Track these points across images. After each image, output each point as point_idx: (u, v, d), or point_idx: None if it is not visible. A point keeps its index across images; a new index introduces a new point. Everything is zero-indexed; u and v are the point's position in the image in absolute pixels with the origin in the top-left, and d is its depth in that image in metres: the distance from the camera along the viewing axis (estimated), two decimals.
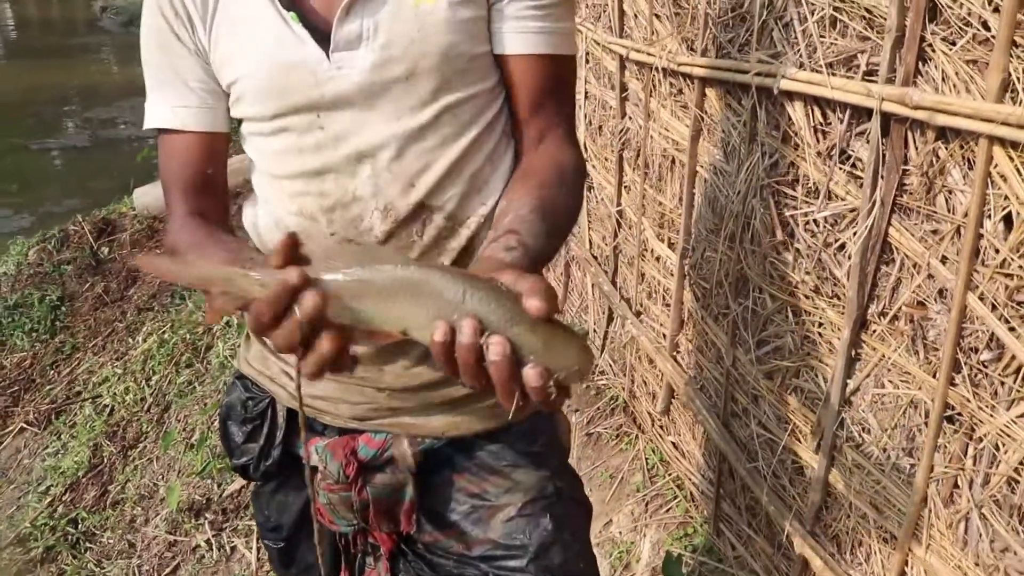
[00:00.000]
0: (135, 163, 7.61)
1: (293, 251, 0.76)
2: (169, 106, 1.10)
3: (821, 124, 1.36)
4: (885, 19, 1.18)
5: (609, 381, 2.67)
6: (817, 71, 1.32)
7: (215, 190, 1.15)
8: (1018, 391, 1.05)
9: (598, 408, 2.66)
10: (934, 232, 1.17)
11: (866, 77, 1.24)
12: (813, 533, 1.54)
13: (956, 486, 1.19)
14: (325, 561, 1.25)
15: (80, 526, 3.55)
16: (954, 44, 1.09)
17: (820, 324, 1.45)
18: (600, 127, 2.46)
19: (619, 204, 2.36)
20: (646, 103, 2.05)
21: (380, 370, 1.14)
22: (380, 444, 1.18)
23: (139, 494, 3.55)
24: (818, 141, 1.37)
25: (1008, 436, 1.07)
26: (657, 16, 1.94)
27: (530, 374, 0.68)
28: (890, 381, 1.29)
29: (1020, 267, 1.02)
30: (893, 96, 1.15)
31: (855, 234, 1.30)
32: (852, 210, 1.32)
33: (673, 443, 2.25)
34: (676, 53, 1.82)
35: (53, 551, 3.47)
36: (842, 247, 1.36)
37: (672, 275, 2.03)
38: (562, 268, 3.01)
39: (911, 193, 1.20)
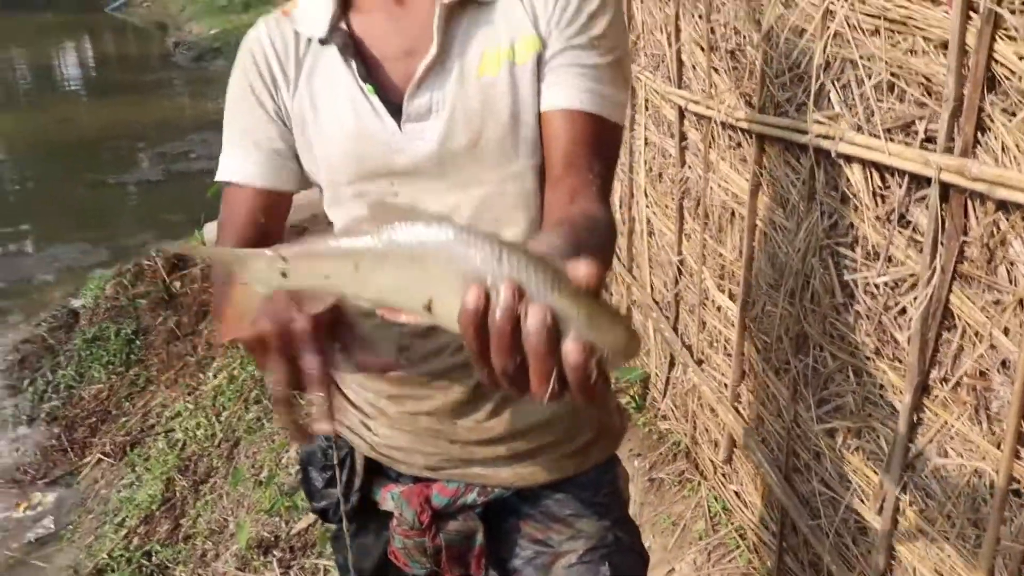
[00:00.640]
0: (205, 198, 7.83)
1: None
2: (239, 161, 1.16)
3: (880, 188, 1.36)
4: (943, 88, 1.18)
5: (671, 426, 2.67)
6: (875, 136, 1.32)
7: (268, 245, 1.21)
8: None
9: (660, 453, 2.65)
10: (996, 302, 1.16)
11: (924, 144, 1.24)
12: None
13: None
14: None
15: (154, 558, 3.64)
16: (1013, 115, 1.08)
17: (881, 386, 1.44)
18: (660, 174, 2.48)
19: (680, 252, 2.36)
20: (705, 154, 2.06)
21: (454, 423, 1.20)
22: (453, 493, 1.25)
23: (210, 529, 3.63)
24: (877, 205, 1.37)
25: None
26: (715, 69, 1.95)
27: (571, 349, 0.61)
28: (953, 449, 1.28)
29: None
30: (951, 167, 1.15)
31: (915, 299, 1.29)
32: (912, 275, 1.31)
33: (736, 492, 2.24)
34: (734, 108, 1.83)
35: None
36: (903, 311, 1.35)
37: (733, 326, 2.03)
38: (624, 310, 3.02)
39: (972, 262, 1.19)
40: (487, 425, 1.20)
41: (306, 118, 1.13)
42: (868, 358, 1.46)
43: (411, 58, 1.08)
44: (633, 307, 2.95)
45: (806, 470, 1.76)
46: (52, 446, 4.92)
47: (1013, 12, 1.05)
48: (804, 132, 1.51)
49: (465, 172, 1.08)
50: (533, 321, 0.60)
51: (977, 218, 1.16)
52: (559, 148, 1.05)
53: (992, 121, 1.12)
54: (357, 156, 1.10)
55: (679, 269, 2.41)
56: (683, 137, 2.24)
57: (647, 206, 2.62)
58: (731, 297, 2.05)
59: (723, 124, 1.92)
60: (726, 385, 2.14)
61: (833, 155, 1.42)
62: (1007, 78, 1.08)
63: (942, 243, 1.22)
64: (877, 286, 1.40)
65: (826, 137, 1.44)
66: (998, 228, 1.13)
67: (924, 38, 1.21)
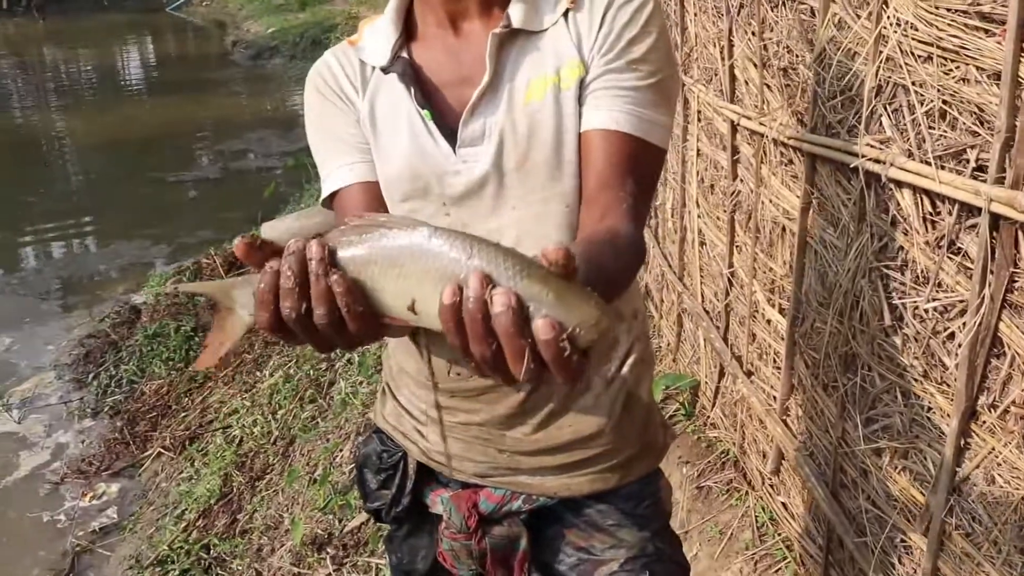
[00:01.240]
0: (262, 197, 7.98)
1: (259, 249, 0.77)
2: (344, 166, 1.20)
3: (930, 214, 1.37)
4: (995, 119, 1.19)
5: (720, 435, 2.68)
6: (926, 163, 1.34)
7: None
8: None
9: (709, 462, 2.67)
10: None
11: (975, 173, 1.25)
12: None
13: None
14: None
15: (212, 551, 3.75)
16: None
17: (929, 409, 1.45)
18: (712, 185, 2.50)
19: (731, 264, 2.38)
20: (757, 169, 2.08)
21: (503, 434, 1.26)
22: (499, 499, 1.31)
23: (265, 524, 3.73)
24: (927, 230, 1.39)
25: None
26: (768, 86, 1.97)
27: (539, 325, 0.65)
28: (1000, 476, 1.29)
29: None
30: (1002, 198, 1.16)
31: (964, 326, 1.30)
32: (961, 301, 1.32)
33: (783, 503, 2.25)
34: (786, 126, 1.84)
35: (188, 574, 3.67)
36: (951, 336, 1.36)
37: (782, 340, 2.05)
38: (675, 318, 3.04)
39: (1022, 291, 1.20)
40: (534, 437, 1.25)
41: (369, 140, 1.19)
42: (916, 380, 1.47)
43: (466, 86, 1.14)
44: (684, 315, 2.96)
45: (853, 487, 1.77)
46: (115, 439, 5.07)
47: None
48: (855, 155, 1.52)
49: (512, 194, 1.13)
50: (498, 303, 0.65)
51: (1022, 248, 1.17)
52: (594, 167, 1.09)
53: None
54: (412, 176, 1.15)
55: (730, 280, 2.42)
56: (735, 151, 2.25)
57: (699, 216, 2.64)
58: (781, 311, 2.06)
59: (775, 141, 1.93)
60: (775, 398, 2.15)
61: (884, 180, 1.43)
62: None
63: (992, 272, 1.23)
64: (926, 311, 1.41)
65: (877, 161, 1.45)
66: None
67: (977, 67, 1.22)
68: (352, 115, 1.21)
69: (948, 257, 1.34)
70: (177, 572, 3.67)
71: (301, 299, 0.74)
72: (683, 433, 2.86)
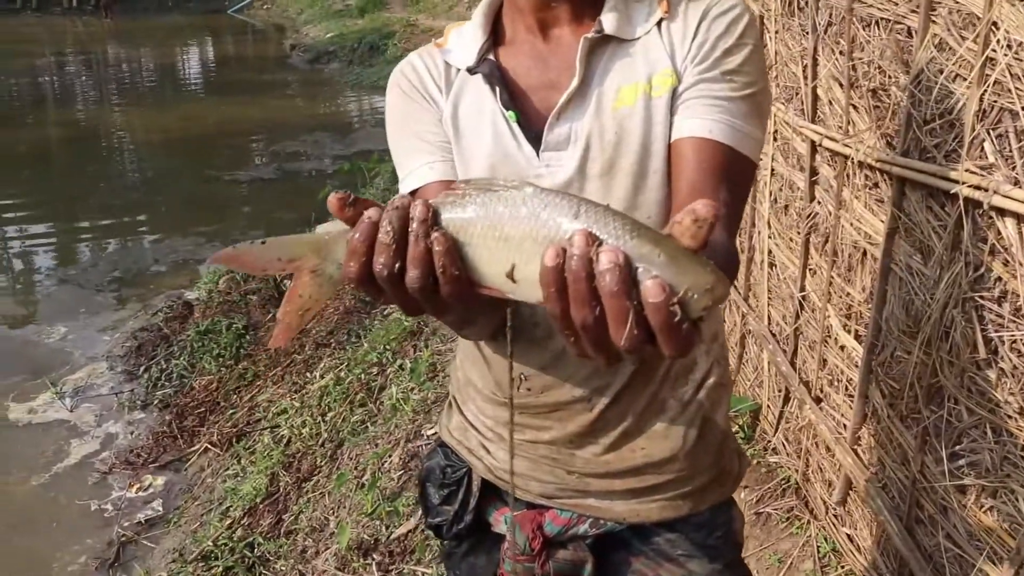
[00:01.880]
0: (316, 199, 8.07)
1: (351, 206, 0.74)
2: (425, 164, 1.17)
3: None
4: None
5: (782, 461, 2.63)
6: None
7: None
8: None
9: (769, 488, 2.61)
10: None
11: None
12: None
13: None
14: None
15: (256, 550, 3.75)
16: None
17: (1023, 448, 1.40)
18: (786, 206, 2.45)
19: (803, 288, 2.33)
20: (838, 192, 2.03)
21: (572, 454, 1.22)
22: (565, 522, 1.27)
23: (311, 526, 3.73)
24: None
25: None
26: (854, 107, 1.92)
27: (648, 286, 0.61)
28: None
29: None
30: None
31: None
32: None
33: (848, 535, 2.19)
34: (874, 148, 1.80)
35: (231, 572, 3.68)
36: None
37: (857, 367, 1.99)
38: (737, 339, 2.99)
39: None
40: (605, 458, 1.21)
41: (451, 140, 1.17)
42: (1010, 417, 1.42)
43: (552, 90, 1.12)
44: (747, 336, 2.91)
45: (930, 523, 1.71)
46: (163, 432, 5.11)
47: None
48: (952, 180, 1.47)
49: (597, 199, 1.10)
50: (604, 260, 0.61)
51: None
52: (686, 176, 1.05)
53: None
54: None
55: (801, 304, 2.37)
56: (814, 172, 2.20)
57: (769, 237, 2.59)
58: (857, 338, 2.01)
59: (860, 163, 1.89)
60: (845, 426, 2.10)
61: (985, 207, 1.38)
62: None
63: None
64: None
65: (978, 188, 1.40)
66: None
67: None
68: (435, 114, 1.19)
69: None
70: (220, 569, 3.67)
71: (396, 257, 0.71)
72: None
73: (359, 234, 0.72)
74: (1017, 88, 1.32)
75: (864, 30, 1.83)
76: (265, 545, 3.75)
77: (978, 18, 1.40)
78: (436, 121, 1.19)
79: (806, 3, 2.11)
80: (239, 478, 4.40)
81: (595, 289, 0.62)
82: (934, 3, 1.54)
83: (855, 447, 2.06)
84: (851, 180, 1.97)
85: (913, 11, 1.61)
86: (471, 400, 1.32)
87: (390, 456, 3.73)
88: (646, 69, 1.09)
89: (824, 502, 2.30)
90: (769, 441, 2.70)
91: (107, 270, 7.86)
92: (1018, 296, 1.37)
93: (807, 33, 2.13)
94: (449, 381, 1.42)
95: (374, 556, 3.30)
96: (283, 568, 3.64)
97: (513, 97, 1.14)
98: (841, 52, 1.94)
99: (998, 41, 1.35)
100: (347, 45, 18.77)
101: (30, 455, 4.99)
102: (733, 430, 2.84)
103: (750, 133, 1.07)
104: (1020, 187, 1.32)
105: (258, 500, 4.07)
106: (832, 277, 2.12)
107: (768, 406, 2.71)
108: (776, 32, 2.38)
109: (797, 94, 2.25)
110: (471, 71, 1.17)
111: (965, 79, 1.45)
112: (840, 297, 2.09)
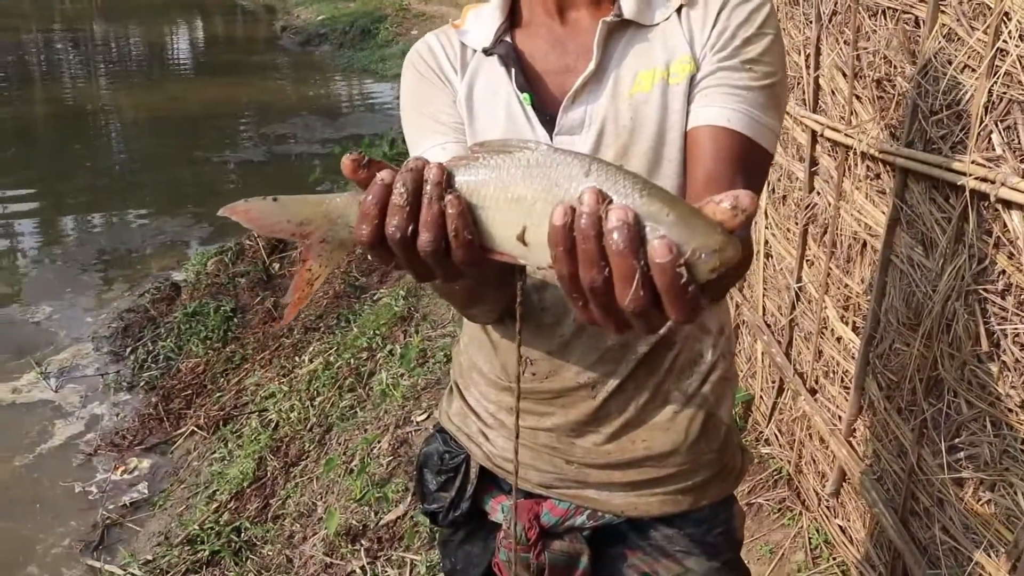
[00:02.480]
0: (306, 182, 8.02)
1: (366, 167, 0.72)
2: (437, 145, 1.15)
3: None
4: None
5: (774, 452, 2.62)
6: None
7: None
8: None
9: (760, 478, 2.61)
10: None
11: None
12: None
13: None
14: None
15: (243, 535, 3.73)
16: None
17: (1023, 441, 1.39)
18: (784, 196, 2.44)
19: (800, 279, 2.32)
20: (838, 182, 2.02)
21: (572, 443, 1.21)
22: (563, 513, 1.25)
23: (298, 511, 3.71)
24: None
25: None
26: (857, 97, 1.91)
27: (655, 246, 0.59)
28: None
29: None
30: None
31: None
32: None
33: (840, 527, 2.19)
34: (877, 139, 1.78)
35: (218, 556, 3.66)
36: None
37: (854, 359, 1.99)
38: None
39: None
40: (605, 448, 1.20)
41: (464, 120, 1.16)
42: (1010, 410, 1.41)
43: (568, 74, 1.10)
44: (741, 326, 2.90)
45: (926, 515, 1.71)
46: (149, 414, 5.08)
47: None
48: (958, 172, 1.46)
49: None
50: (613, 218, 0.60)
51: None
52: (702, 164, 1.04)
53: None
54: None
55: (797, 295, 2.36)
56: (814, 162, 2.19)
57: (766, 227, 2.58)
58: (855, 330, 2.00)
59: (862, 154, 1.87)
60: (840, 418, 2.09)
61: (992, 199, 1.37)
62: None
63: None
64: None
65: (985, 180, 1.39)
66: None
67: None
68: (449, 95, 1.17)
69: None
70: (207, 552, 3.65)
71: (409, 220, 0.70)
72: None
73: (372, 196, 0.71)
74: None
75: (870, 19, 1.82)
76: (252, 529, 3.73)
77: (989, 8, 1.38)
78: (451, 102, 1.17)
79: None
80: (226, 462, 4.38)
81: (603, 248, 0.61)
82: None
83: (850, 439, 2.05)
84: (852, 171, 1.96)
85: (922, 1, 1.60)
86: (474, 385, 1.30)
87: (379, 442, 3.71)
88: (664, 55, 1.08)
89: (817, 494, 2.30)
90: (761, 432, 2.70)
91: (93, 250, 7.79)
92: (1022, 289, 1.36)
93: (810, 22, 2.12)
94: (451, 367, 1.40)
95: (362, 542, 3.29)
96: (270, 553, 3.62)
97: (528, 79, 1.12)
98: (846, 41, 1.93)
99: (1009, 32, 1.33)
100: (338, 28, 18.64)
101: (14, 435, 4.95)
102: None
103: (768, 124, 1.06)
104: None
105: (245, 484, 4.05)
106: (830, 268, 2.11)
107: (761, 397, 2.71)
108: (780, 18, 2.36)
109: (799, 83, 2.23)
110: (487, 52, 1.15)
111: (975, 70, 1.43)
112: (838, 288, 2.08)
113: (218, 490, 4.10)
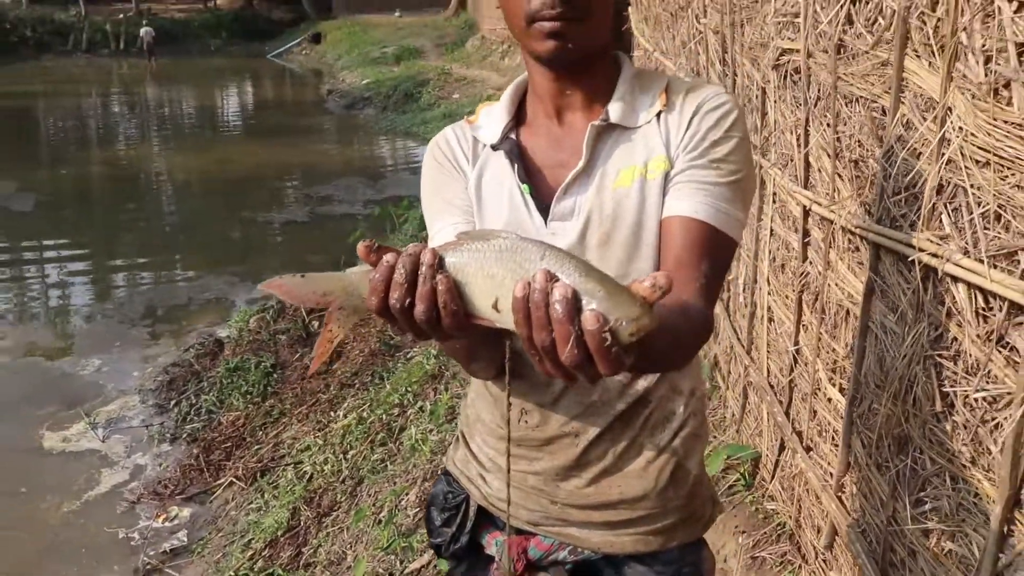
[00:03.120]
0: (347, 243, 8.31)
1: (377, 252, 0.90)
2: (450, 225, 1.34)
3: (983, 309, 1.46)
4: None
5: (777, 507, 2.74)
6: (980, 261, 1.43)
7: None
8: None
9: (764, 533, 2.72)
10: None
11: None
12: None
13: None
14: None
15: None
16: None
17: (976, 495, 1.52)
18: (783, 265, 2.59)
19: (797, 342, 2.46)
20: (825, 253, 2.17)
21: (557, 486, 1.38)
22: (547, 548, 1.42)
23: (329, 559, 3.86)
24: (979, 324, 1.47)
25: None
26: (839, 176, 2.07)
27: (586, 316, 0.75)
28: None
29: None
30: None
31: (1010, 416, 1.38)
32: (1009, 393, 1.40)
33: None
34: (854, 215, 1.94)
35: None
36: (998, 425, 1.44)
37: (841, 419, 2.12)
38: (740, 390, 3.12)
39: None
40: (585, 491, 1.36)
41: (474, 205, 1.34)
42: (964, 466, 1.54)
43: (562, 168, 1.29)
44: (749, 388, 3.04)
45: (901, 566, 1.83)
46: (190, 465, 5.28)
47: None
48: (915, 248, 1.61)
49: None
50: (556, 294, 0.77)
51: None
52: (672, 249, 1.21)
53: None
54: None
55: (795, 357, 2.50)
56: (806, 234, 2.35)
57: (768, 293, 2.73)
58: (841, 391, 2.14)
59: (843, 228, 2.03)
60: (831, 474, 2.22)
61: (940, 274, 1.52)
62: None
63: None
64: (975, 399, 1.49)
65: (935, 256, 1.54)
66: None
67: None
68: (462, 182, 1.36)
69: (997, 350, 1.42)
70: None
71: (407, 294, 0.88)
72: (742, 503, 2.91)
73: (379, 275, 0.89)
74: (967, 168, 1.47)
75: (847, 106, 1.99)
76: None
77: (936, 102, 1.55)
78: (463, 188, 1.36)
79: (800, 78, 2.27)
80: (262, 511, 4.55)
81: (550, 317, 0.77)
82: (903, 86, 1.70)
83: (839, 494, 2.18)
84: (836, 243, 2.12)
85: (886, 92, 1.77)
86: (478, 434, 1.48)
87: (407, 494, 3.87)
88: (644, 154, 1.26)
89: (814, 547, 2.41)
90: (767, 489, 2.81)
91: (142, 306, 8.11)
92: (970, 355, 1.50)
93: (800, 105, 2.29)
94: (459, 419, 1.59)
95: None
96: None
97: (529, 172, 1.32)
98: (828, 124, 2.10)
99: (951, 124, 1.50)
100: (382, 91, 19.17)
101: (63, 482, 5.19)
102: (735, 477, 2.96)
103: (733, 215, 1.23)
104: (970, 257, 1.46)
105: (279, 533, 4.21)
106: (820, 333, 2.25)
107: (766, 454, 2.83)
108: (775, 102, 2.54)
109: (792, 161, 2.40)
110: (495, 147, 1.35)
111: (925, 155, 1.60)
112: (827, 352, 2.22)
113: (253, 538, 4.26)
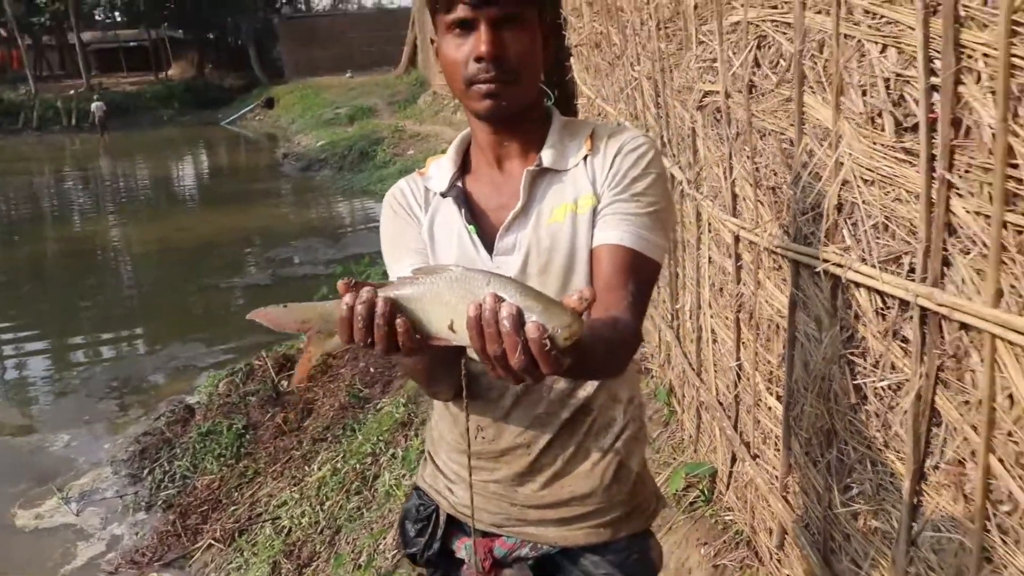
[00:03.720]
0: (312, 301, 8.38)
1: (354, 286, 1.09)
2: (408, 266, 1.50)
3: (881, 308, 1.66)
4: (918, 231, 1.49)
5: (734, 517, 2.90)
6: (874, 266, 1.63)
7: None
8: None
9: (724, 541, 2.88)
10: (966, 403, 1.44)
11: (909, 274, 1.55)
12: None
13: None
14: None
15: None
16: (967, 254, 1.39)
17: (892, 474, 1.71)
18: (721, 289, 2.79)
19: (738, 358, 2.66)
20: (755, 274, 2.38)
21: (515, 490, 1.55)
22: (510, 547, 1.58)
23: None
24: (879, 322, 1.67)
25: None
26: (761, 202, 2.28)
27: (529, 327, 0.94)
28: (943, 526, 1.54)
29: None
30: (923, 294, 1.46)
31: (909, 400, 1.57)
32: (907, 380, 1.60)
33: (788, 575, 2.47)
34: (775, 237, 2.15)
35: None
36: (905, 412, 1.63)
37: (780, 424, 2.31)
38: (694, 411, 3.30)
39: (949, 369, 1.48)
40: (540, 494, 1.54)
41: (427, 247, 1.52)
42: (880, 450, 1.73)
43: (503, 210, 1.48)
44: (701, 408, 3.22)
45: (840, 550, 2.00)
46: (167, 531, 5.31)
47: (961, 176, 1.37)
48: (824, 261, 1.82)
49: None
50: (503, 311, 0.95)
51: (947, 335, 1.45)
52: (602, 273, 1.40)
53: (952, 259, 1.42)
54: None
55: (738, 374, 2.69)
56: (738, 258, 2.56)
57: (711, 316, 2.93)
58: (778, 399, 2.33)
59: (767, 250, 2.24)
60: (776, 477, 2.39)
61: (843, 280, 1.73)
62: (961, 226, 1.39)
63: (925, 355, 1.51)
64: (882, 389, 1.68)
65: (838, 265, 1.75)
66: (962, 343, 1.42)
67: (906, 191, 1.53)
68: (416, 228, 1.55)
69: (896, 344, 1.62)
70: None
71: (367, 334, 1.07)
72: (702, 517, 3.08)
73: (344, 316, 1.07)
74: (858, 186, 1.68)
75: (761, 139, 2.21)
76: None
77: (830, 131, 1.77)
78: (418, 233, 1.54)
79: (721, 116, 2.49)
80: (242, 570, 4.61)
81: (499, 331, 0.95)
82: (803, 119, 1.92)
83: (784, 495, 2.35)
84: (763, 264, 2.32)
85: (791, 125, 1.99)
86: (443, 451, 1.64)
87: (384, 537, 3.98)
88: (573, 193, 1.46)
89: (768, 548, 2.58)
90: (724, 500, 2.98)
91: (108, 379, 8.12)
92: (874, 351, 1.70)
93: (723, 141, 2.51)
94: (425, 440, 1.76)
95: None
96: None
97: (474, 215, 1.50)
98: (747, 156, 2.31)
99: (843, 149, 1.71)
100: (338, 152, 19.38)
101: (38, 560, 5.19)
102: (695, 494, 3.13)
103: (653, 241, 1.42)
104: (867, 263, 1.67)
105: None
106: (757, 348, 2.45)
107: (722, 468, 3.01)
108: (703, 139, 2.77)
109: (720, 192, 2.62)
110: (443, 195, 1.54)
111: (825, 178, 1.81)
112: (764, 364, 2.42)
113: None
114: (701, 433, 3.27)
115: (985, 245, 1.33)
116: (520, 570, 1.57)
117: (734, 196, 2.52)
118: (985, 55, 1.26)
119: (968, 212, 1.36)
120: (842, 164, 1.73)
